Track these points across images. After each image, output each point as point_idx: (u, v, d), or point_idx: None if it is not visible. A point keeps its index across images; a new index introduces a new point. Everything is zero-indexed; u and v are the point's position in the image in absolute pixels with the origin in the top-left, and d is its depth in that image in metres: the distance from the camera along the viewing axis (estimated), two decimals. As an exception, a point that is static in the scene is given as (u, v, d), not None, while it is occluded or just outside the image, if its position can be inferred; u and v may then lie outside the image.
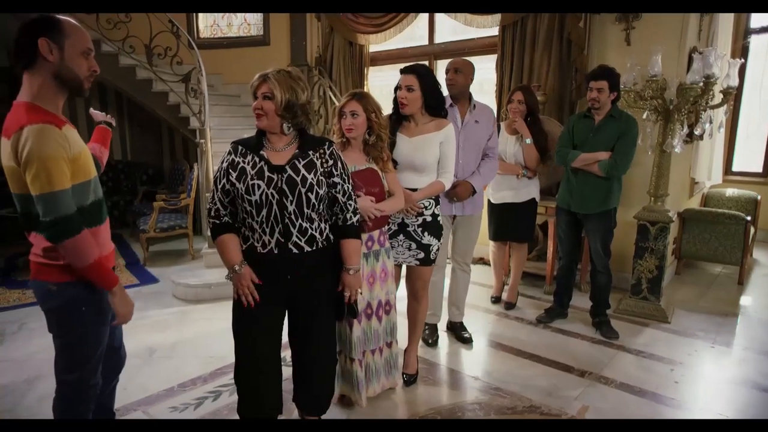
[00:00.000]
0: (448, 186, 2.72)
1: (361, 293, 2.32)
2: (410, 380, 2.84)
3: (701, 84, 3.35)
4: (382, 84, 6.00)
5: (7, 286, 4.41)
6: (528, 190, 3.80)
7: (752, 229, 4.75)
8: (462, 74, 3.07)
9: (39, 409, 2.60)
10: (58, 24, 1.66)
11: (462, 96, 3.11)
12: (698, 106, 3.47)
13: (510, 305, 3.99)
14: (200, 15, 6.95)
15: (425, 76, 2.61)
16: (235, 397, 2.66)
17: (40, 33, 1.62)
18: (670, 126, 3.55)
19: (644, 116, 3.59)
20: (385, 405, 2.65)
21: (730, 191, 5.34)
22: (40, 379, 2.88)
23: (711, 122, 3.62)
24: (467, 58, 3.29)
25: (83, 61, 1.70)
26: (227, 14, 6.87)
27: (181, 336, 3.48)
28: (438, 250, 2.76)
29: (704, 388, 2.88)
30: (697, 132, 3.51)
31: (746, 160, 5.99)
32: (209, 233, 2.04)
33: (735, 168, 6.02)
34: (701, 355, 3.21)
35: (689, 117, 3.59)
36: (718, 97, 3.58)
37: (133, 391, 2.76)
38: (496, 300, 4.11)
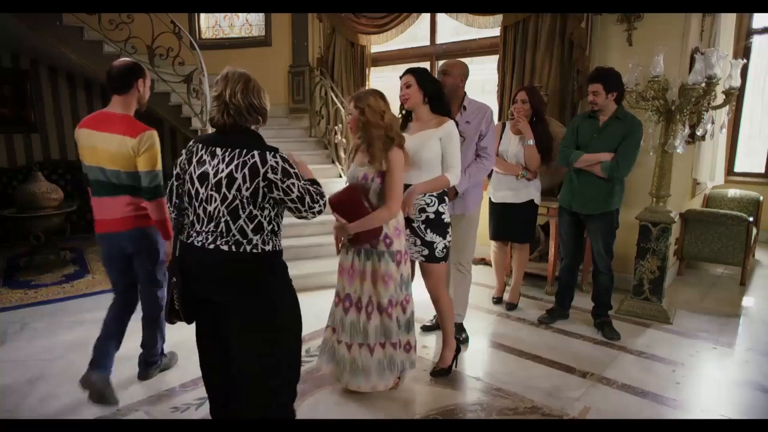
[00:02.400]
0: (453, 181, 2.76)
1: None
2: (441, 372, 2.94)
3: (703, 85, 3.35)
4: (384, 85, 6.00)
5: (9, 287, 4.41)
6: (528, 191, 3.79)
7: (754, 230, 4.74)
8: (449, 76, 3.09)
9: (41, 410, 2.60)
10: (144, 70, 2.68)
11: (453, 97, 3.10)
12: (700, 106, 3.46)
13: (512, 306, 3.99)
14: (202, 15, 6.97)
15: (420, 73, 2.78)
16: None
17: (138, 76, 2.62)
18: (672, 127, 3.54)
19: (646, 117, 3.59)
20: (385, 405, 2.64)
21: (732, 192, 5.33)
22: (42, 380, 2.89)
23: (713, 123, 3.62)
24: (460, 59, 3.30)
25: (148, 90, 2.69)
26: (229, 15, 6.88)
27: (182, 336, 3.42)
28: (444, 248, 2.80)
29: (706, 389, 2.87)
30: (699, 132, 3.50)
31: (748, 161, 5.98)
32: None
33: (737, 168, 6.01)
34: (703, 356, 3.20)
35: (691, 118, 3.58)
36: (720, 98, 3.58)
37: (134, 392, 2.77)
38: (498, 301, 4.11)
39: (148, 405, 2.65)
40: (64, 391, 2.76)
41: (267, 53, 6.64)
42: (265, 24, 6.78)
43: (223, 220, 1.89)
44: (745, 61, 3.67)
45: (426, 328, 3.55)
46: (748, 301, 4.20)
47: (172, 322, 2.10)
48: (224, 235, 1.90)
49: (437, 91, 2.78)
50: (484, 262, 5.15)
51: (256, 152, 1.87)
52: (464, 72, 3.15)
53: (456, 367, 3.02)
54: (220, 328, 2.05)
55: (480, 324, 3.69)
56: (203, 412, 2.57)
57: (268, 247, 1.95)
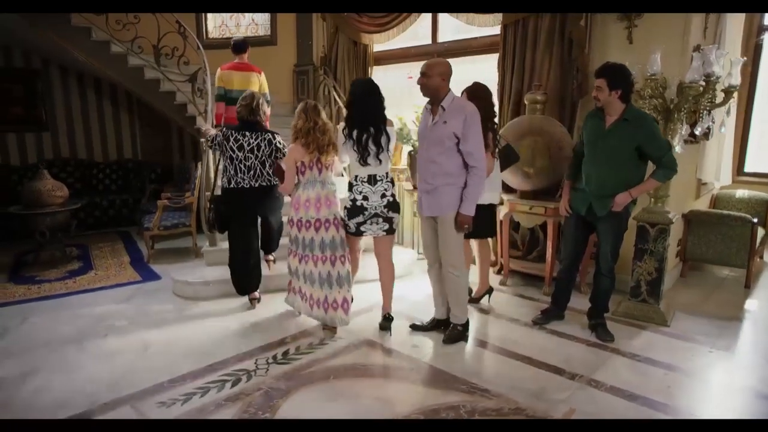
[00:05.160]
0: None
1: None
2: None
3: (701, 82, 3.28)
4: (385, 84, 5.99)
5: (14, 282, 4.51)
6: (489, 194, 3.69)
7: (762, 231, 4.63)
8: (425, 76, 3.09)
9: (33, 402, 2.66)
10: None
11: (436, 97, 3.11)
12: (699, 105, 3.39)
13: (480, 298, 4.02)
14: (209, 15, 7.05)
15: None
16: (223, 393, 2.72)
17: (248, 45, 5.06)
18: (671, 125, 3.48)
19: (644, 116, 3.53)
20: (369, 404, 2.64)
21: (740, 192, 5.20)
22: (37, 373, 2.95)
23: (713, 122, 3.55)
24: (440, 59, 3.23)
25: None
26: (235, 15, 6.95)
27: (176, 332, 3.52)
28: (347, 225, 3.41)
29: (697, 393, 2.81)
30: (697, 132, 3.43)
31: (759, 161, 5.82)
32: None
33: (747, 169, 5.86)
34: (698, 360, 3.13)
35: (690, 116, 3.50)
36: (722, 97, 3.50)
37: (124, 386, 2.81)
38: None
39: (135, 399, 2.68)
40: (56, 385, 2.82)
41: (272, 52, 6.68)
42: (270, 24, 6.83)
43: (258, 169, 3.68)
44: (744, 59, 3.57)
45: (415, 327, 3.55)
46: (751, 304, 4.10)
47: (211, 232, 4.23)
48: (260, 178, 3.70)
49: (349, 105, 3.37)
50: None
51: (268, 134, 3.73)
52: (443, 71, 3.09)
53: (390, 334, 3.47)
54: (255, 228, 3.84)
55: (472, 324, 3.67)
56: (188, 408, 2.60)
57: (275, 182, 3.74)
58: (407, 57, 5.69)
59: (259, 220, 3.87)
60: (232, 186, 3.70)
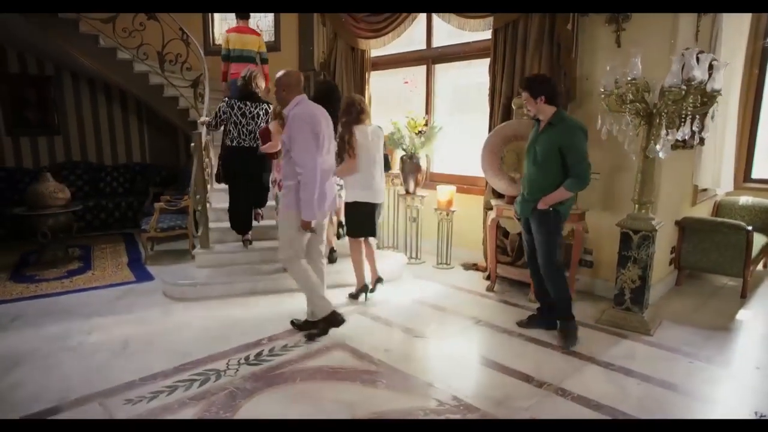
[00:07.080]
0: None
1: None
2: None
3: (682, 87, 3.21)
4: (381, 87, 6.02)
5: (14, 280, 4.67)
6: (358, 193, 3.96)
7: (763, 239, 4.49)
8: (276, 87, 3.28)
9: (7, 396, 2.75)
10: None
11: (285, 106, 3.28)
12: (680, 109, 3.31)
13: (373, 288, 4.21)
14: (216, 23, 7.21)
15: None
16: (189, 392, 2.79)
17: (249, 14, 5.87)
18: (653, 131, 3.41)
19: (628, 120, 3.47)
20: (330, 407, 2.65)
21: (744, 199, 5.06)
22: (18, 368, 3.05)
23: (699, 127, 3.46)
24: (287, 69, 3.32)
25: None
26: (240, 21, 7.07)
27: (157, 332, 3.59)
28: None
29: (668, 405, 2.72)
30: (678, 137, 3.34)
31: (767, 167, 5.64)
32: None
33: (755, 175, 5.68)
34: (675, 371, 3.05)
35: (673, 121, 3.42)
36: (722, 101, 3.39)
37: (97, 383, 2.88)
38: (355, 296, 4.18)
39: (104, 396, 2.75)
40: (33, 380, 2.91)
41: (276, 58, 6.75)
42: (274, 30, 6.95)
43: (257, 132, 4.36)
44: (728, 63, 3.45)
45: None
46: (743, 314, 3.97)
47: (219, 182, 4.69)
48: (255, 140, 4.39)
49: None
50: (476, 267, 5.08)
51: (265, 104, 4.52)
52: (284, 81, 3.24)
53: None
54: (251, 182, 4.56)
55: (451, 329, 3.66)
56: (154, 406, 2.65)
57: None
58: (403, 62, 5.71)
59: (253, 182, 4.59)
60: (234, 144, 4.41)
